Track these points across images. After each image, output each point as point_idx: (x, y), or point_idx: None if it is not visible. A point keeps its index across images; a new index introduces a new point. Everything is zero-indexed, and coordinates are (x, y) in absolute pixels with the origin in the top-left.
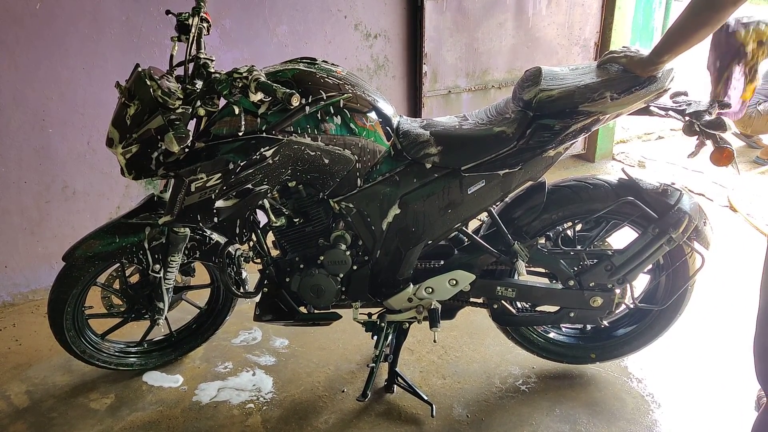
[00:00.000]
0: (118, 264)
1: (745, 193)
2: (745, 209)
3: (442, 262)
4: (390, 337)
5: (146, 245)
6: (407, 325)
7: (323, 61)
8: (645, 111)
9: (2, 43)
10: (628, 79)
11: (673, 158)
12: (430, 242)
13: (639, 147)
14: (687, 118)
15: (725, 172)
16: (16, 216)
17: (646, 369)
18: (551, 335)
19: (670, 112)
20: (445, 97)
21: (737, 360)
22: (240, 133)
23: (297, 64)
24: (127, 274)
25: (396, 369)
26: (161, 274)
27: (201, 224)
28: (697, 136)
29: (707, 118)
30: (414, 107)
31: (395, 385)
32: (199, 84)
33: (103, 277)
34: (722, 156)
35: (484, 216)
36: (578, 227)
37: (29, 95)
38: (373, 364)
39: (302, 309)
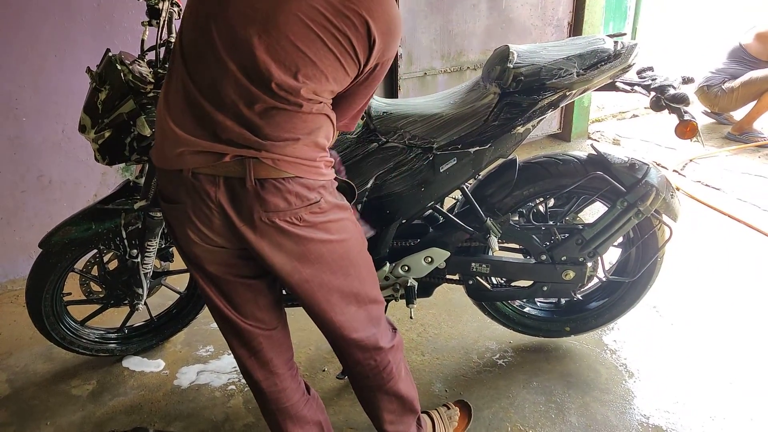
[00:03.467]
0: (96, 250)
1: (714, 168)
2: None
3: (418, 241)
4: None
5: (123, 231)
6: (385, 303)
7: None
8: (611, 87)
9: None
10: (593, 54)
11: (647, 136)
12: (404, 221)
13: (614, 125)
14: (652, 93)
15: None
16: None
17: (620, 341)
18: (526, 310)
19: (636, 87)
20: (420, 79)
21: (708, 331)
22: None
23: None
24: (105, 260)
25: None
26: (139, 260)
27: None
28: (663, 110)
29: (671, 92)
30: (390, 89)
31: None
32: None
33: (80, 263)
34: (686, 129)
35: (457, 194)
36: (550, 203)
37: (1, 84)
38: None
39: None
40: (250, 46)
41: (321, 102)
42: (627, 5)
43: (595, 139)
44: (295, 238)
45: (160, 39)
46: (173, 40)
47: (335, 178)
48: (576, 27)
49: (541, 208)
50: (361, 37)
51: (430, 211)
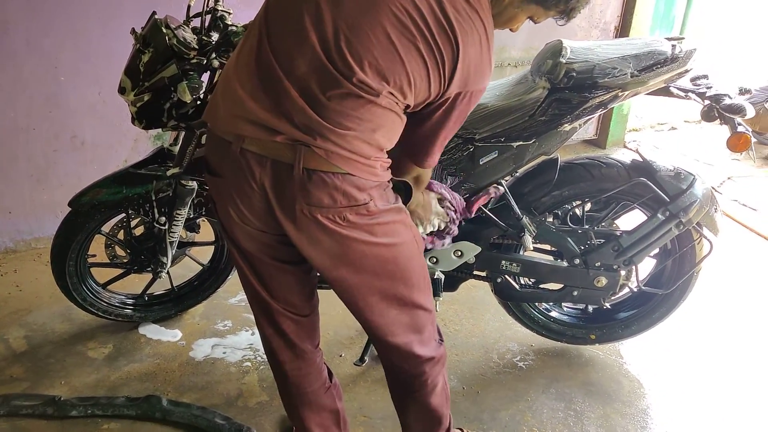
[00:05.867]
0: (124, 214)
1: (752, 187)
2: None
3: None
4: None
5: (153, 197)
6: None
7: None
8: (665, 91)
9: None
10: (650, 56)
11: (685, 149)
12: None
13: (651, 136)
14: (707, 102)
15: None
16: (23, 162)
17: (645, 354)
18: (552, 313)
19: (690, 94)
20: None
21: (740, 355)
22: None
23: None
24: (132, 226)
25: None
26: (166, 227)
27: None
28: (715, 121)
29: (727, 101)
30: None
31: None
32: (215, 36)
33: (107, 226)
34: (739, 141)
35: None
36: (587, 206)
37: (43, 41)
38: None
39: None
40: (336, 28)
41: (397, 102)
42: (674, 14)
43: (631, 149)
44: (336, 237)
45: (207, 6)
46: (219, 7)
47: (390, 179)
48: (623, 31)
49: (578, 210)
50: (451, 58)
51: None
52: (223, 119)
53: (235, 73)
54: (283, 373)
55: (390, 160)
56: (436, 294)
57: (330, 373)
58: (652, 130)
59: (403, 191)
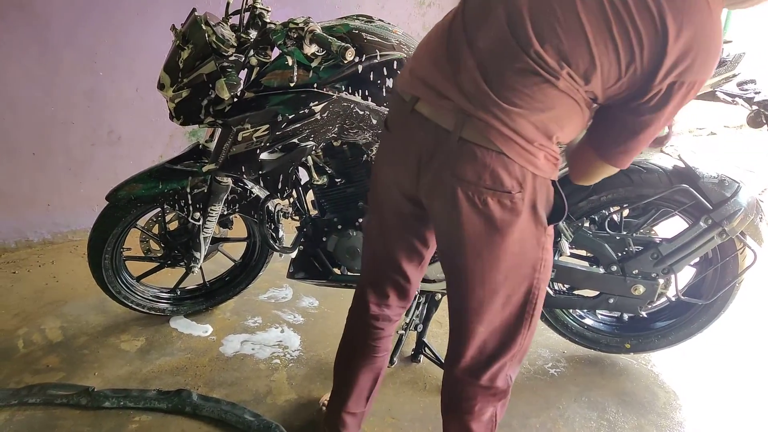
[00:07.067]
0: (159, 209)
1: None
2: None
3: None
4: (421, 307)
5: (188, 193)
6: (440, 296)
7: (379, 19)
8: (711, 96)
9: None
10: None
11: (724, 155)
12: None
13: (689, 141)
14: (754, 107)
15: None
16: (61, 156)
17: (682, 365)
18: (586, 321)
19: (738, 99)
20: None
21: None
22: (291, 86)
23: (353, 20)
24: (167, 220)
25: (424, 339)
26: (200, 223)
27: (244, 175)
28: (762, 127)
29: None
30: None
31: (422, 355)
32: (254, 34)
33: (143, 220)
34: None
35: None
36: (625, 212)
37: (82, 36)
38: (402, 332)
39: (336, 270)
40: (525, 2)
41: (577, 89)
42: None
43: (668, 153)
44: (466, 218)
45: (246, 3)
46: (258, 5)
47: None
48: None
49: (616, 216)
50: (653, 43)
51: None
52: (406, 78)
53: (432, 37)
54: (363, 318)
55: (560, 158)
56: None
57: (392, 359)
58: (690, 135)
59: (558, 208)
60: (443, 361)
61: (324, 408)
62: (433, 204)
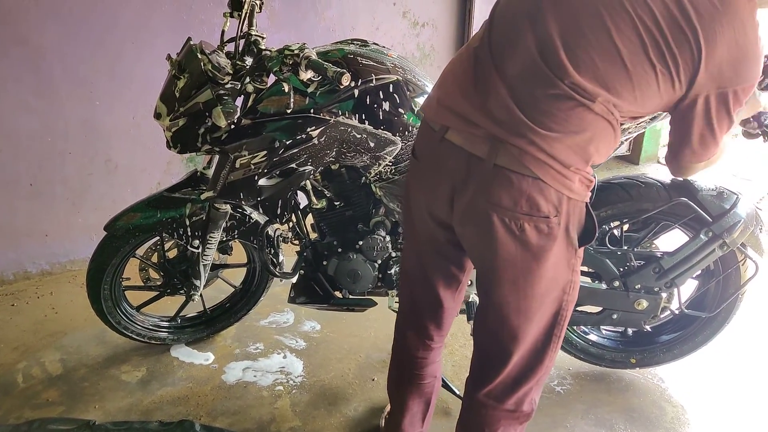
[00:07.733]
0: (158, 237)
1: None
2: None
3: None
4: None
5: (187, 220)
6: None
7: (374, 43)
8: None
9: (56, 14)
10: None
11: (722, 165)
12: None
13: None
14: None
15: None
16: (58, 186)
17: (688, 378)
18: (591, 337)
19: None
20: None
21: None
22: (287, 112)
23: (348, 45)
24: (165, 249)
25: None
26: (200, 251)
27: (243, 202)
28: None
29: None
30: None
31: None
32: (249, 61)
33: (142, 249)
34: None
35: None
36: (625, 227)
37: (79, 66)
38: None
39: (337, 293)
40: (555, 28)
41: (612, 112)
42: None
43: (665, 165)
44: (501, 244)
45: (241, 31)
46: (253, 32)
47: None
48: None
49: (617, 231)
50: (689, 62)
51: None
52: (433, 108)
53: (456, 64)
54: (405, 349)
55: (594, 179)
56: (470, 317)
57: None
58: None
59: (588, 229)
60: (448, 382)
61: (386, 418)
62: (465, 231)
